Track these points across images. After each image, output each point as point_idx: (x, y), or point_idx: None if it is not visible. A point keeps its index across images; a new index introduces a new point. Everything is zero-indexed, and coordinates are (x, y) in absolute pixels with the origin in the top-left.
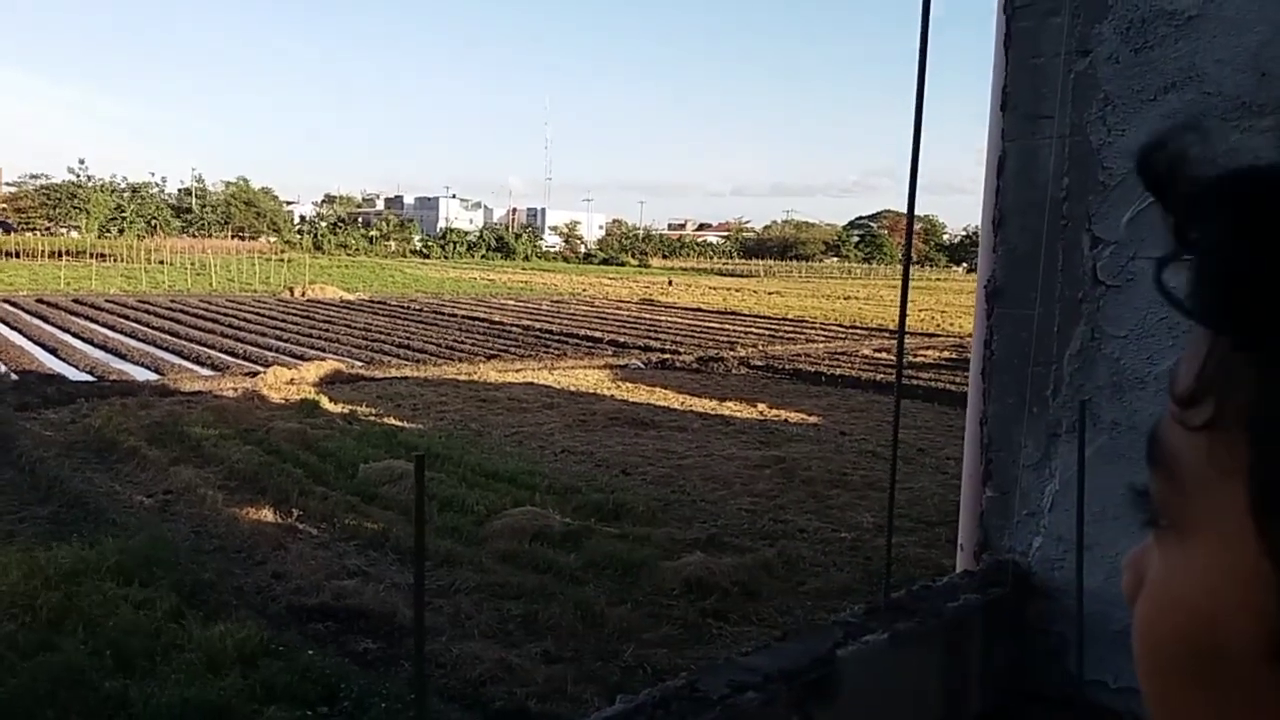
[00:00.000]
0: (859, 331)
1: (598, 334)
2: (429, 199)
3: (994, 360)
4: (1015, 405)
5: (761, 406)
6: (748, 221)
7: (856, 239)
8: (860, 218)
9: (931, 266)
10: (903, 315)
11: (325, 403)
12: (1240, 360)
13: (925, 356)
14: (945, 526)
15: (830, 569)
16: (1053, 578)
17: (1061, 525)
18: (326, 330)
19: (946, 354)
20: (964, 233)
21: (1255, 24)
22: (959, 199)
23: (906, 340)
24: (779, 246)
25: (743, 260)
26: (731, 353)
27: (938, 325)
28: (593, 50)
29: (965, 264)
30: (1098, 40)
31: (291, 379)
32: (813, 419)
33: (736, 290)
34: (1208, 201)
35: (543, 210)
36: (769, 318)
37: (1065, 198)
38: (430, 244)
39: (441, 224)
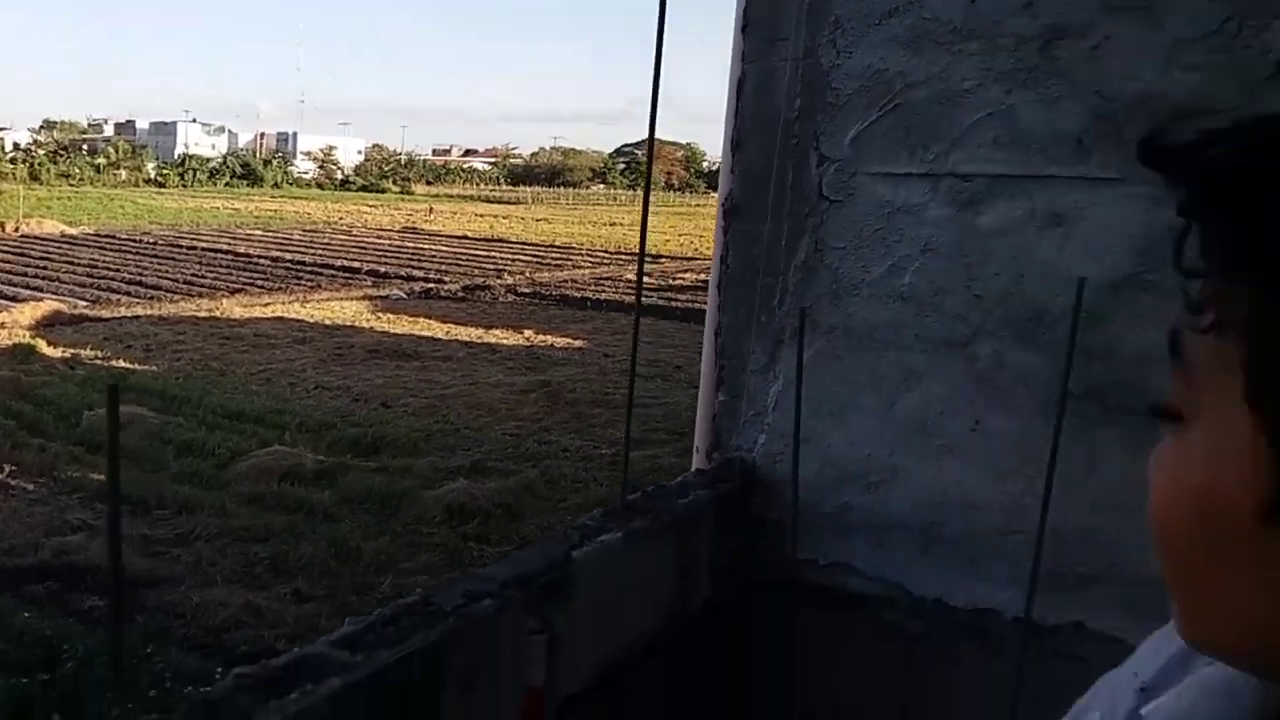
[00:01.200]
0: (623, 257)
1: (356, 264)
2: (165, 124)
3: (729, 274)
4: (746, 315)
5: (528, 333)
6: (515, 148)
7: (622, 166)
8: (626, 145)
9: (692, 193)
10: (643, 239)
11: (43, 347)
12: (1238, 279)
13: (683, 279)
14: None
15: (591, 484)
16: (774, 470)
17: (783, 422)
18: (44, 268)
19: (704, 276)
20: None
21: None
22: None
23: (666, 264)
24: (547, 173)
25: (510, 187)
26: (498, 280)
27: (696, 250)
28: None
29: None
30: None
31: (1, 323)
32: (578, 343)
33: (504, 217)
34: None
35: (294, 134)
36: (537, 244)
37: (797, 118)
38: (167, 172)
39: (180, 150)
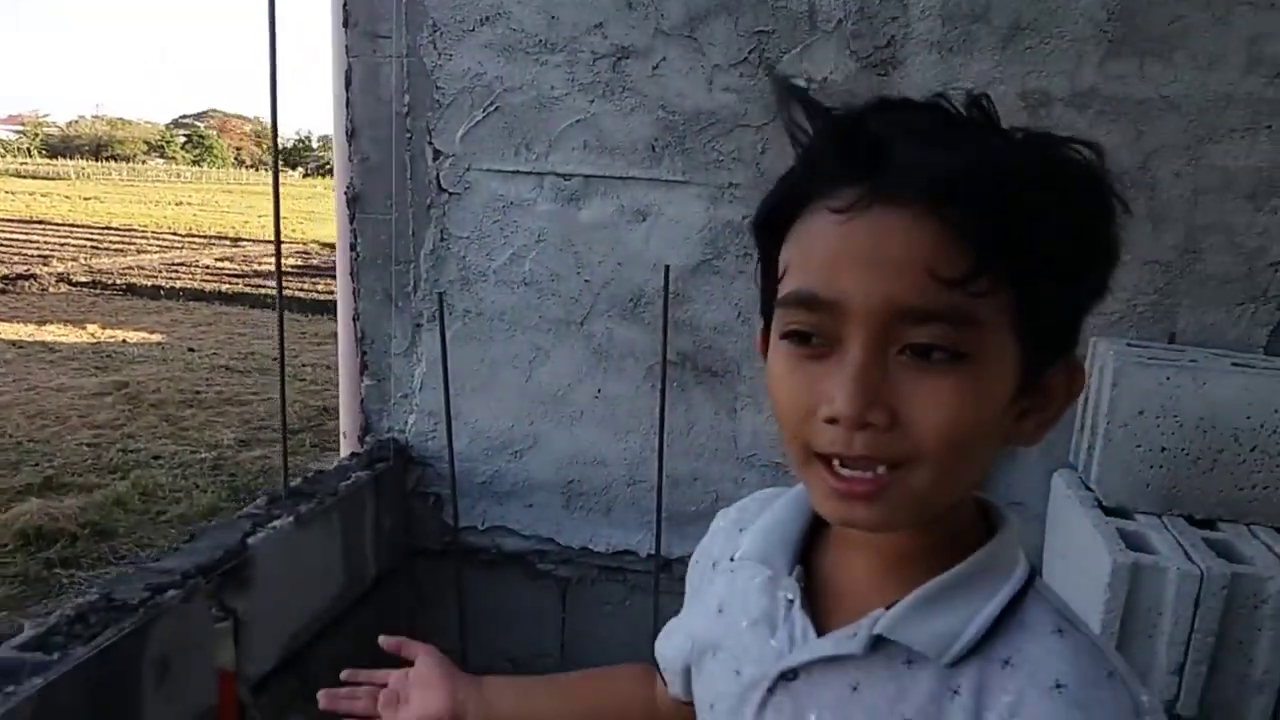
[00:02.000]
0: (197, 240)
1: None
2: None
3: (360, 261)
4: (382, 301)
5: (93, 328)
6: (47, 115)
7: (183, 140)
8: (184, 116)
9: (267, 171)
10: (277, 223)
11: None
12: (999, 264)
13: (270, 265)
14: (309, 431)
15: (193, 492)
16: (427, 447)
17: (430, 401)
18: None
19: (292, 260)
20: (296, 136)
21: None
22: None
23: (250, 249)
24: (92, 145)
25: (47, 160)
26: (46, 268)
27: (283, 233)
28: None
29: (301, 168)
30: None
31: None
32: (155, 337)
33: (44, 195)
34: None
35: None
36: (89, 226)
37: (407, 113)
38: None
39: None
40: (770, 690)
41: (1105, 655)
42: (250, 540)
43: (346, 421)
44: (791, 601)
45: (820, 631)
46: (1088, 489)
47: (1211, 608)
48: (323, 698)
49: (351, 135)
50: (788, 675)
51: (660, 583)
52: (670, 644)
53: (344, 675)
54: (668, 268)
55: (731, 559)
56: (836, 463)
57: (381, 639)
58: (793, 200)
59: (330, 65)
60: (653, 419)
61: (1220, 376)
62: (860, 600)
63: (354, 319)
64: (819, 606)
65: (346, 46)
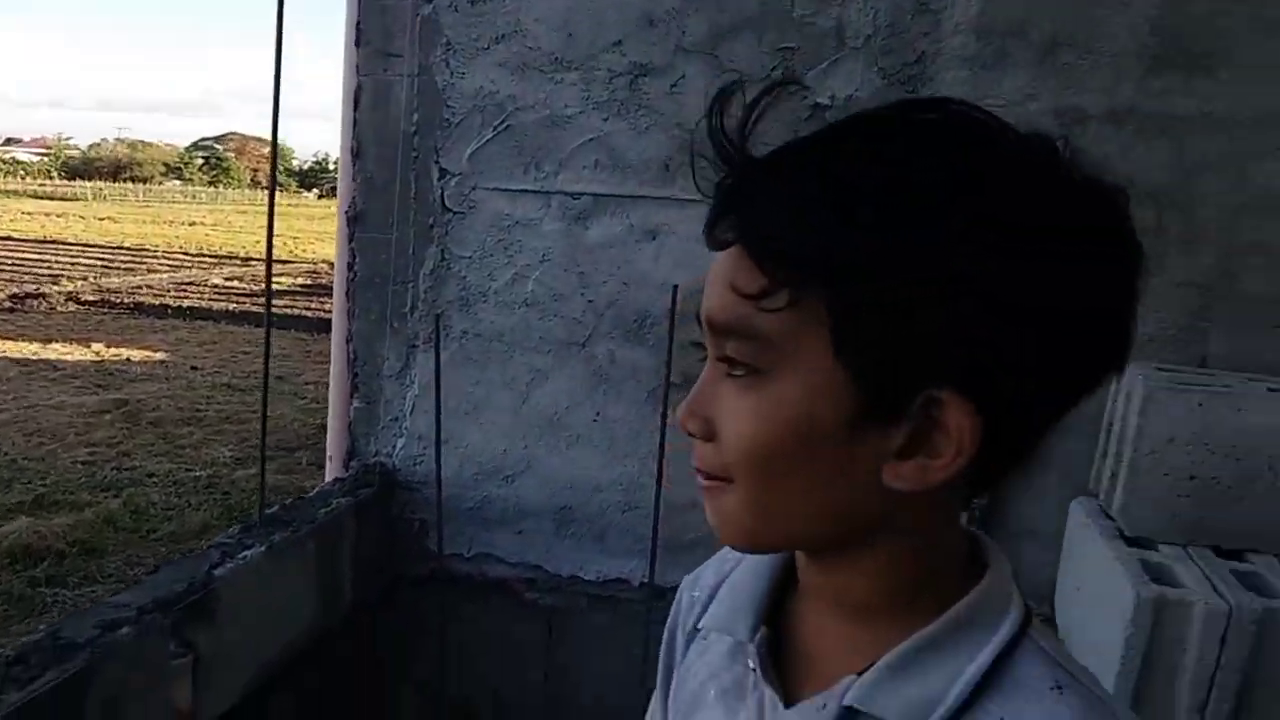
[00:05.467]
0: (207, 259)
1: None
2: None
3: (357, 281)
4: (377, 322)
5: (97, 347)
6: (70, 138)
7: (201, 161)
8: (205, 139)
9: (283, 191)
10: (270, 241)
11: None
12: (813, 280)
13: (280, 283)
14: (306, 450)
15: (185, 510)
16: (415, 472)
17: (420, 425)
18: None
19: (301, 280)
20: (314, 159)
21: None
22: (308, 124)
23: (259, 268)
24: (111, 167)
25: (66, 182)
26: (55, 287)
27: (291, 251)
28: None
29: (317, 189)
30: None
31: None
32: (159, 355)
33: (59, 215)
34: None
35: None
36: (102, 246)
37: (416, 132)
38: None
39: None
40: None
41: (1113, 712)
42: (217, 571)
43: (334, 445)
44: (755, 671)
45: (790, 700)
46: (1108, 518)
47: (1240, 644)
48: None
49: (357, 154)
50: None
51: (653, 612)
52: None
53: None
54: (676, 287)
55: (699, 629)
56: None
57: None
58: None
59: (341, 85)
60: (652, 443)
61: (1256, 402)
62: (832, 663)
63: (347, 340)
64: (789, 672)
65: (357, 65)
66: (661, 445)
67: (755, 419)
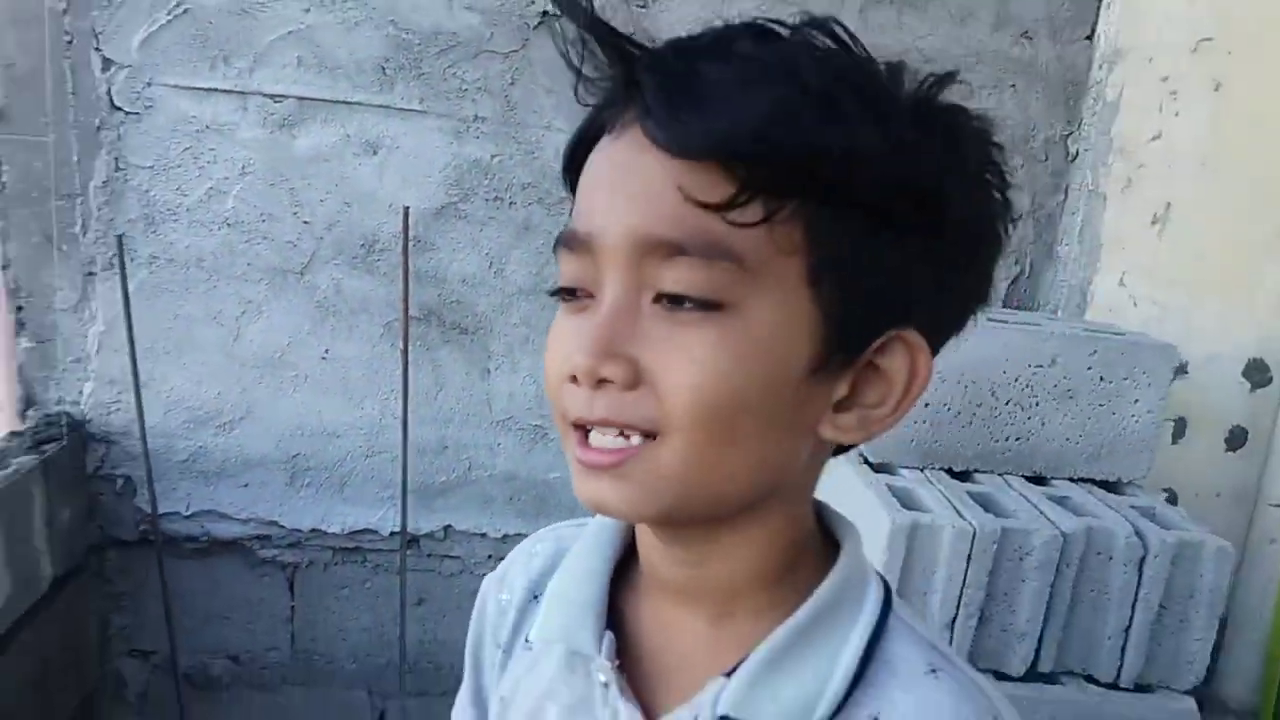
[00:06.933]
0: None
1: None
2: None
3: (6, 194)
4: (41, 244)
5: None
6: None
7: None
8: None
9: None
10: None
11: None
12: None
13: None
14: None
15: None
16: (109, 422)
17: (111, 367)
18: None
19: None
20: None
21: None
22: None
23: None
24: None
25: None
26: None
27: None
28: None
29: None
30: None
31: None
32: None
33: None
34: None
35: None
36: None
37: (65, 10)
38: None
39: None
40: None
41: (988, 697)
42: None
43: (2, 392)
44: (607, 685)
45: (651, 714)
46: None
47: (982, 562)
48: None
49: None
50: None
51: (407, 560)
52: None
53: None
54: (407, 209)
55: (527, 640)
56: (587, 433)
57: None
58: (587, 136)
59: None
60: (393, 382)
61: (979, 334)
62: (693, 667)
63: (2, 267)
64: (643, 681)
65: None
66: (406, 384)
67: (716, 360)
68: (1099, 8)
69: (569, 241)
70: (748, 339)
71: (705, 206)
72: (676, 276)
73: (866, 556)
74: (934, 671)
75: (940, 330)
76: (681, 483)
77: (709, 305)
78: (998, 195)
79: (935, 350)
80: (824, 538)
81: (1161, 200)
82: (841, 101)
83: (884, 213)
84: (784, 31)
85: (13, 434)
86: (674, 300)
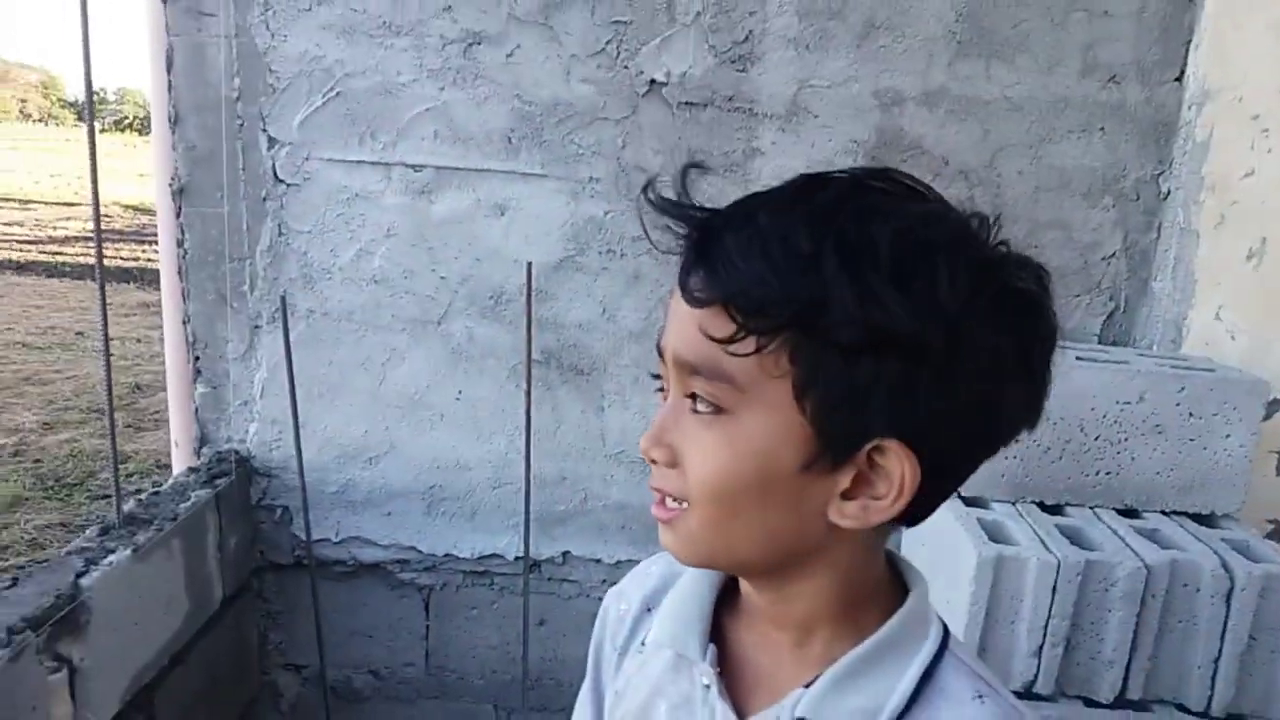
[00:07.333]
0: None
1: None
2: None
3: (188, 259)
4: (215, 302)
5: None
6: None
7: None
8: None
9: (57, 125)
10: (95, 185)
11: None
12: (779, 329)
13: (69, 229)
14: (123, 412)
15: None
16: (271, 458)
17: (273, 409)
18: None
19: (89, 224)
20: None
21: None
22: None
23: (42, 211)
24: None
25: None
26: None
27: (76, 194)
28: None
29: (100, 122)
30: None
31: None
32: None
33: None
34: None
35: None
36: None
37: (238, 98)
38: None
39: None
40: None
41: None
42: (83, 581)
43: (179, 431)
44: (708, 687)
45: (741, 715)
46: None
47: (1067, 593)
48: None
49: (175, 122)
50: None
51: (530, 583)
52: None
53: None
54: (530, 264)
55: (642, 644)
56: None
57: None
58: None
59: (147, 43)
60: (517, 420)
61: (1068, 372)
62: (780, 678)
63: (184, 322)
64: (737, 687)
65: (166, 24)
66: (527, 421)
67: (717, 454)
68: (1187, 50)
69: (659, 351)
70: (743, 438)
71: (713, 340)
72: (696, 387)
73: (931, 603)
74: (980, 697)
75: (932, 444)
76: (706, 543)
77: (717, 409)
78: (1014, 343)
79: (949, 462)
80: (896, 583)
81: (1257, 235)
82: (822, 262)
83: (857, 349)
84: (838, 178)
85: (190, 470)
86: (696, 401)
